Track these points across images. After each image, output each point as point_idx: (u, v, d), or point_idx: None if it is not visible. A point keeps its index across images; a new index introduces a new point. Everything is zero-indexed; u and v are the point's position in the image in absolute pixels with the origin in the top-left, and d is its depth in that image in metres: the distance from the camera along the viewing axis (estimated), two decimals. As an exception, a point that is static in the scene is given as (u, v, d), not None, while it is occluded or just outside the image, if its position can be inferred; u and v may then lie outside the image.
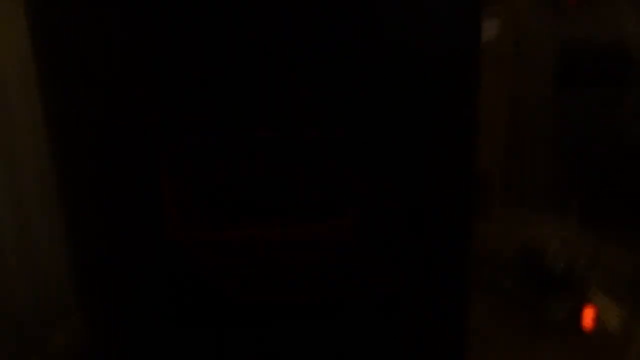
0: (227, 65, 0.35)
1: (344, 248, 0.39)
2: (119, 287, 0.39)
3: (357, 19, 0.36)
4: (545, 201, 1.21)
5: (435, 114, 0.40)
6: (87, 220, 0.40)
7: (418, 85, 0.38)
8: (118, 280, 0.39)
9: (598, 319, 0.86)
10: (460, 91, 0.41)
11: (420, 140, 0.40)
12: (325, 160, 0.37)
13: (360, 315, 0.40)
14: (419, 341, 0.44)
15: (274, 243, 0.38)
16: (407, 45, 0.37)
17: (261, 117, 0.36)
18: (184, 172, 0.38)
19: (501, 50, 1.18)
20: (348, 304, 0.39)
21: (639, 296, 0.90)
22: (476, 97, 0.43)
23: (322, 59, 0.36)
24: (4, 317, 0.69)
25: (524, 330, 0.87)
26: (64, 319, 0.65)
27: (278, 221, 0.38)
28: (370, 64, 0.37)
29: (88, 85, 0.36)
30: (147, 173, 0.37)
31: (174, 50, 0.34)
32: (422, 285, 0.42)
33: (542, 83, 1.24)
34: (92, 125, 0.37)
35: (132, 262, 0.39)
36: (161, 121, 0.36)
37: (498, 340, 0.84)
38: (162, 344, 0.40)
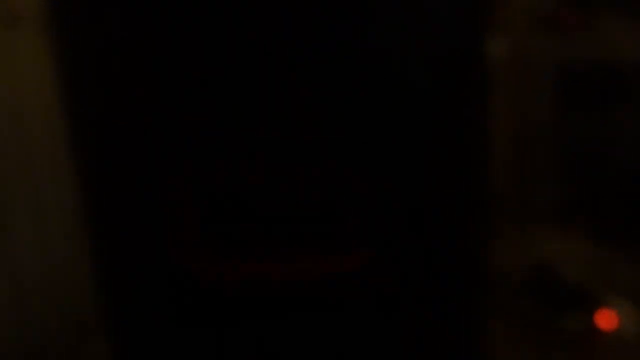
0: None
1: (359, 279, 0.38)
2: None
3: (356, 19, 0.36)
4: (553, 217, 1.20)
5: (437, 115, 0.40)
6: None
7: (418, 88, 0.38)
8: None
9: (616, 324, 0.84)
10: (462, 91, 0.41)
11: (420, 139, 0.39)
12: (329, 167, 0.37)
13: (361, 314, 0.39)
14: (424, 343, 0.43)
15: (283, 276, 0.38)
16: (406, 46, 0.37)
17: (262, 119, 0.36)
18: (188, 184, 0.37)
19: (501, 72, 1.19)
20: (349, 303, 0.39)
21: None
22: (482, 99, 0.43)
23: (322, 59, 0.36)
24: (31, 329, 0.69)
25: (539, 350, 0.85)
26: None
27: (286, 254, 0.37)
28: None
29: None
30: (152, 179, 0.37)
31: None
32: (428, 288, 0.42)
33: (543, 103, 1.24)
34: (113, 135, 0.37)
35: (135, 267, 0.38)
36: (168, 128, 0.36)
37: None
38: (164, 344, 0.39)
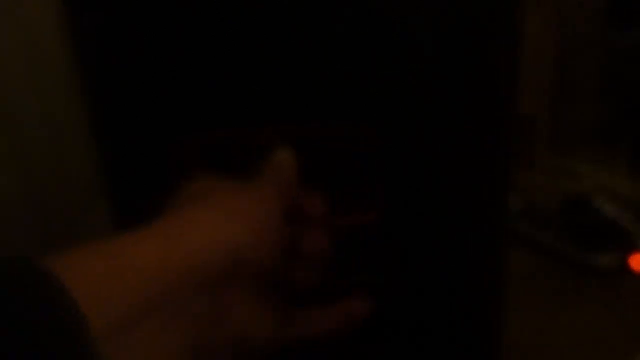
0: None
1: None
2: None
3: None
4: (592, 149, 1.16)
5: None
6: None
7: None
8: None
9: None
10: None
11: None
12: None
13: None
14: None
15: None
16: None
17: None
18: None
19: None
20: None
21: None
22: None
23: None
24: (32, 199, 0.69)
25: (566, 286, 0.84)
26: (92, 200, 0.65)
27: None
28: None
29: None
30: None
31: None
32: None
33: (589, 23, 1.17)
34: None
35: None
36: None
37: (538, 299, 0.82)
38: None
